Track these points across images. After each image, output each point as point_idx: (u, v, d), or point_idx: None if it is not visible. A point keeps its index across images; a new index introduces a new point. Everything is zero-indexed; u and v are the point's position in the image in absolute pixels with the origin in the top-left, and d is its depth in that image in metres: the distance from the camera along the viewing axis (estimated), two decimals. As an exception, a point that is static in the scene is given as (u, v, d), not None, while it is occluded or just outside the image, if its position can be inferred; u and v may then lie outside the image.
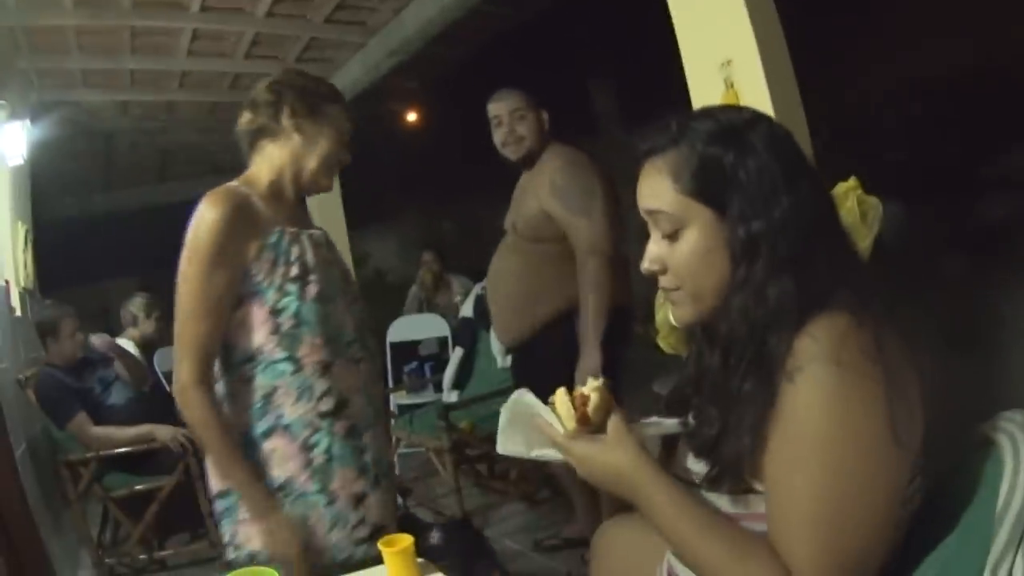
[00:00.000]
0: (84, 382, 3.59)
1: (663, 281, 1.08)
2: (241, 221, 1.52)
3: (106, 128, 5.12)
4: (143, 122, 5.14)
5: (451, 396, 4.03)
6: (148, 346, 4.20)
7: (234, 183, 1.63)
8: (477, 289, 4.21)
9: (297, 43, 4.31)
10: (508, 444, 1.11)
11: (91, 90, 4.68)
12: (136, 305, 4.14)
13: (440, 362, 4.72)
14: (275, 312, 1.54)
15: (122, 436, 3.43)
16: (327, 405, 1.55)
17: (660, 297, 1.26)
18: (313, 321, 1.55)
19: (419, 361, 4.92)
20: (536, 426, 1.07)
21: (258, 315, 1.54)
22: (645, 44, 2.58)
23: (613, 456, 1.02)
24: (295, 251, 1.58)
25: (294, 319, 1.54)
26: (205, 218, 1.50)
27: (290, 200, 1.68)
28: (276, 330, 1.54)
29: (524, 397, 1.11)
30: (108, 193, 5.76)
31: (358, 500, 1.57)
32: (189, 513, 3.40)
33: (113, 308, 5.96)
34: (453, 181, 5.04)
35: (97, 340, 3.87)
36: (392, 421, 4.03)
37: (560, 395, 1.08)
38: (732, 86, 2.06)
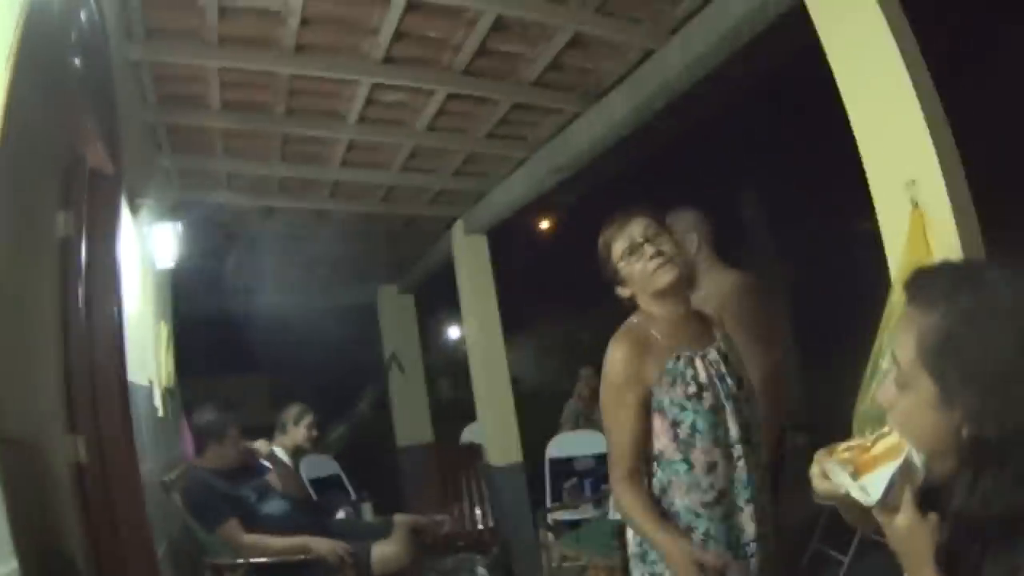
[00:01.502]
0: (237, 488, 3.55)
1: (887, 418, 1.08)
2: (640, 354, 1.86)
3: (250, 231, 5.14)
4: (290, 228, 5.13)
5: (615, 514, 3.88)
6: (298, 454, 4.20)
7: (636, 319, 1.95)
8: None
9: (456, 156, 4.25)
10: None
11: (236, 193, 4.65)
12: (289, 414, 4.14)
13: (599, 478, 4.74)
14: (675, 424, 1.85)
15: (277, 545, 3.38)
16: (709, 496, 1.84)
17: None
18: (705, 430, 1.84)
19: (578, 476, 4.97)
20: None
21: (661, 425, 1.87)
22: (794, 156, 2.54)
23: (915, 543, 1.02)
24: (690, 372, 1.87)
25: (690, 429, 1.84)
26: (613, 356, 1.88)
27: (678, 317, 1.93)
28: (675, 437, 1.85)
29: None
30: (248, 295, 5.76)
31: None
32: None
33: (240, 405, 5.96)
34: (588, 292, 4.98)
35: (258, 448, 3.90)
36: (551, 536, 4.17)
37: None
38: (917, 205, 2.12)
